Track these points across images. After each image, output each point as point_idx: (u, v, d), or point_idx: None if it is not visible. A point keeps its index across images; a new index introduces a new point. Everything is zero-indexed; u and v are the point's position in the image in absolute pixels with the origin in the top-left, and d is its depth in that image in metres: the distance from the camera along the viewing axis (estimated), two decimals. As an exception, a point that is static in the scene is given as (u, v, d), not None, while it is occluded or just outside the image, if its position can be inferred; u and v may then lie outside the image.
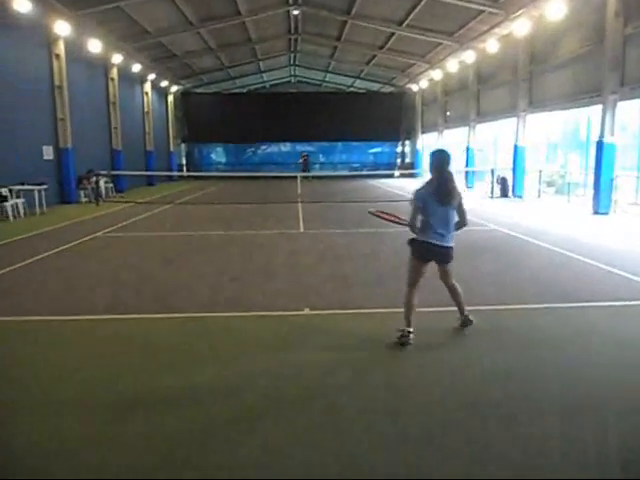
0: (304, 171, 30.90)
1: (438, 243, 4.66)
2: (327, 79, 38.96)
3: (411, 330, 4.63)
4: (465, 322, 4.98)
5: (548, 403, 3.61)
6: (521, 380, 3.98)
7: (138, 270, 7.84)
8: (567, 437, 3.18)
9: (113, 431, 3.28)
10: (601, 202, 14.06)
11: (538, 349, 4.61)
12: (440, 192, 4.58)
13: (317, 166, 38.09)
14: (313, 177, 30.41)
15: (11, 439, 3.23)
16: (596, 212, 14.11)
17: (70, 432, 3.28)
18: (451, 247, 4.77)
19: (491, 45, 20.25)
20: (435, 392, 3.79)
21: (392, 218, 5.27)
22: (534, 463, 2.94)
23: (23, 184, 14.94)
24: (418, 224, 4.74)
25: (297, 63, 35.53)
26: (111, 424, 3.37)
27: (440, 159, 4.71)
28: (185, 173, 34.74)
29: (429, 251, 4.70)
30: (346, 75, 36.42)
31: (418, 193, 4.70)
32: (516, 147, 19.60)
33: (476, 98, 24.13)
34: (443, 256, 4.77)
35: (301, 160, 33.58)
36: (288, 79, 40.19)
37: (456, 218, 4.75)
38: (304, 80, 40.11)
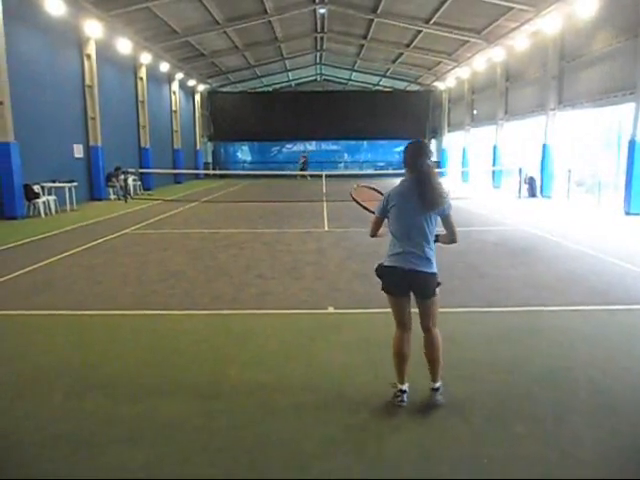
0: (302, 170, 31.12)
1: (412, 268, 3.38)
2: (353, 78, 38.89)
3: (404, 389, 3.53)
4: (441, 395, 3.57)
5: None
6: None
7: (165, 266, 7.96)
8: None
9: (136, 419, 3.36)
10: (632, 202, 13.72)
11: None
12: (420, 191, 3.34)
13: (342, 165, 38.08)
14: (330, 176, 30.33)
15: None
16: (627, 213, 13.77)
17: (100, 410, 3.37)
18: (432, 274, 3.44)
19: (520, 42, 19.95)
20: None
21: (367, 204, 4.06)
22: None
23: (54, 181, 15.32)
24: (381, 233, 3.67)
25: (323, 62, 35.54)
26: (142, 409, 3.45)
27: (416, 150, 3.47)
28: (211, 171, 35.11)
29: (400, 280, 3.44)
30: (372, 73, 36.29)
31: (388, 195, 3.51)
32: (545, 146, 19.26)
33: (504, 96, 23.80)
34: (420, 287, 3.46)
35: (302, 160, 33.82)
36: (314, 78, 40.25)
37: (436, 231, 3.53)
38: (330, 79, 40.12)
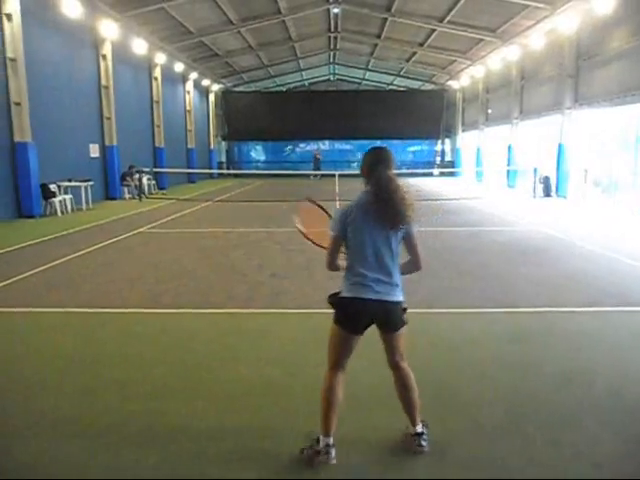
0: (316, 169, 31.04)
1: (373, 297, 2.81)
2: (367, 77, 38.80)
3: (330, 443, 2.85)
4: (414, 440, 2.97)
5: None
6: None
7: (179, 265, 8.02)
8: None
9: (150, 420, 3.39)
10: (650, 203, 13.54)
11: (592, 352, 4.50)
12: (382, 206, 2.77)
13: (355, 164, 38.00)
14: (322, 175, 30.20)
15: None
16: (645, 213, 13.61)
17: (113, 408, 3.41)
18: (398, 302, 2.88)
19: (536, 40, 19.75)
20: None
21: (312, 238, 3.41)
22: None
23: (70, 180, 15.51)
24: (344, 261, 2.97)
25: (337, 61, 35.49)
26: (154, 408, 3.48)
27: (374, 157, 2.95)
28: (225, 171, 35.27)
29: (358, 315, 2.86)
30: (386, 73, 36.18)
31: (342, 211, 2.90)
32: (560, 145, 19.06)
33: (519, 95, 23.58)
34: (386, 319, 2.89)
35: (316, 156, 33.79)
36: (327, 77, 40.24)
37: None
38: (343, 78, 40.08)
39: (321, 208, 3.57)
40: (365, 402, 3.60)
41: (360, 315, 2.87)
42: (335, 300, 2.95)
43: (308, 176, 31.00)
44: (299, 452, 2.91)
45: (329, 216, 3.32)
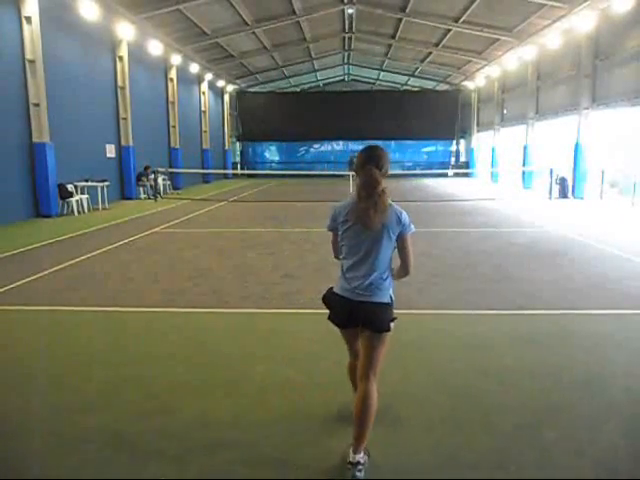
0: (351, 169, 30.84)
1: (356, 298, 2.85)
2: (381, 77, 38.73)
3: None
4: (352, 470, 2.72)
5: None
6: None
7: (194, 265, 8.08)
8: None
9: (162, 421, 3.43)
10: (669, 204, 13.34)
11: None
12: (361, 204, 2.79)
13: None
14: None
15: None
16: (663, 214, 13.41)
17: (132, 405, 3.45)
18: (382, 304, 2.88)
19: (552, 40, 19.56)
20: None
21: None
22: None
23: (87, 181, 15.70)
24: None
25: (351, 62, 35.48)
26: (172, 405, 3.52)
27: (366, 155, 2.87)
28: (239, 171, 35.42)
29: (344, 311, 2.92)
30: (400, 73, 36.07)
31: (335, 208, 2.99)
32: (577, 146, 18.86)
33: (535, 95, 23.39)
34: (367, 319, 2.86)
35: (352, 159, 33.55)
36: (342, 78, 40.24)
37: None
38: (358, 79, 40.06)
39: None
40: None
41: (340, 310, 2.94)
42: (327, 295, 3.07)
43: (324, 176, 30.92)
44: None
45: None
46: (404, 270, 2.98)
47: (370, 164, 2.82)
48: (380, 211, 2.77)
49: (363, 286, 2.85)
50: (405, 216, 2.88)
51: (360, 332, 2.95)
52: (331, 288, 3.04)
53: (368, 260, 2.85)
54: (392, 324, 2.90)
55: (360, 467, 2.73)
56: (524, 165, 23.97)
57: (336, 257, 3.14)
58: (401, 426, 3.32)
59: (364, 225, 2.80)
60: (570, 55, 19.51)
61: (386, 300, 2.90)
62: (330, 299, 3.02)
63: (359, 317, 2.88)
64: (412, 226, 2.91)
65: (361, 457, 2.76)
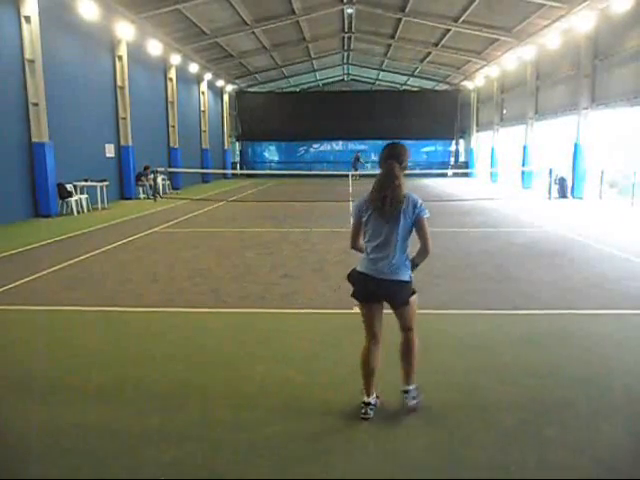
0: (355, 169, 30.78)
1: (379, 276, 3.26)
2: (380, 77, 38.73)
3: (370, 401, 3.38)
4: (414, 399, 3.46)
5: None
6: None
7: (193, 265, 8.08)
8: None
9: (166, 421, 3.43)
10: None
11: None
12: (379, 195, 3.22)
13: (369, 165, 37.91)
14: (360, 176, 30.10)
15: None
16: (663, 214, 13.41)
17: (132, 405, 3.45)
18: (402, 281, 3.29)
19: (551, 40, 19.57)
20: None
21: None
22: None
23: (87, 180, 15.69)
24: (362, 244, 3.43)
25: (350, 61, 35.47)
26: (171, 405, 3.52)
27: (389, 152, 3.35)
28: (238, 171, 35.41)
29: (369, 287, 3.31)
30: (400, 73, 36.07)
31: (359, 200, 3.41)
32: (576, 146, 18.86)
33: (534, 95, 23.38)
34: (390, 295, 3.32)
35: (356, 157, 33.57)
36: (341, 77, 40.24)
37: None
38: (357, 78, 40.06)
39: None
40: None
41: (368, 288, 3.32)
42: (352, 274, 3.43)
43: (323, 176, 30.93)
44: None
45: None
46: (424, 249, 3.35)
47: (391, 159, 3.28)
48: (396, 201, 3.20)
49: (385, 266, 3.25)
50: (420, 202, 3.28)
51: (391, 307, 3.38)
52: (354, 268, 3.41)
53: (389, 243, 3.25)
54: (413, 297, 3.37)
55: (413, 394, 3.45)
56: (523, 165, 23.97)
57: (352, 247, 3.50)
58: (401, 425, 3.32)
59: (379, 213, 3.23)
60: (569, 55, 19.52)
61: (406, 278, 3.31)
62: (355, 277, 3.38)
63: (381, 293, 3.32)
64: (426, 211, 3.30)
65: (412, 387, 3.46)
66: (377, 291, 3.30)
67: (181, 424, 3.35)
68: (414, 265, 3.37)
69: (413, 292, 3.38)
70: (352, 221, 3.44)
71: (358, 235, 3.42)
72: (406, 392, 3.46)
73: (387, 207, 3.20)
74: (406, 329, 3.44)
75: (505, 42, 22.79)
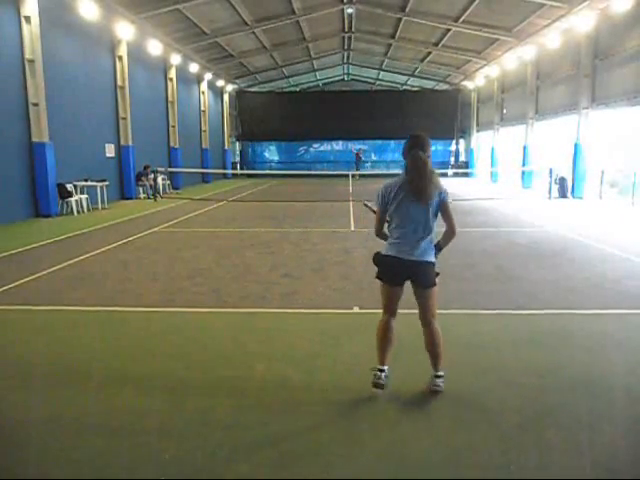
0: (357, 169, 30.75)
1: (407, 258, 3.47)
2: (381, 77, 38.74)
3: (384, 369, 3.60)
4: (436, 385, 3.66)
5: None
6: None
7: (193, 264, 8.07)
8: None
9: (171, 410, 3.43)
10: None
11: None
12: (414, 181, 3.43)
13: (369, 165, 37.94)
14: (360, 176, 30.04)
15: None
16: (663, 214, 13.40)
17: (132, 404, 3.45)
18: (430, 262, 3.53)
19: (552, 40, 19.57)
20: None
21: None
22: None
23: (87, 180, 15.69)
24: (386, 231, 3.66)
25: (351, 61, 35.47)
26: (172, 404, 3.52)
27: (412, 142, 3.56)
28: (239, 171, 35.41)
29: (396, 269, 3.53)
30: (400, 73, 36.08)
31: (384, 187, 3.60)
32: (577, 146, 18.86)
33: (534, 95, 23.38)
34: (418, 275, 3.54)
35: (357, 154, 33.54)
36: (341, 77, 40.25)
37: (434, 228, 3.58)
38: (357, 78, 40.06)
39: (370, 209, 4.18)
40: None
41: (395, 269, 3.54)
42: (377, 257, 3.63)
43: (324, 176, 30.91)
44: (372, 378, 3.58)
45: (374, 212, 3.87)
46: (450, 230, 3.58)
47: (415, 148, 3.49)
48: (433, 185, 3.43)
49: (415, 248, 3.47)
50: (445, 188, 3.54)
51: (414, 290, 3.61)
52: (379, 252, 3.62)
53: (419, 227, 3.46)
54: (437, 279, 3.58)
55: (440, 379, 3.64)
56: (523, 165, 23.97)
57: (378, 234, 3.69)
58: (401, 425, 3.32)
59: (420, 199, 3.42)
60: (570, 55, 19.51)
61: (433, 259, 3.54)
62: (381, 260, 3.59)
63: (409, 274, 3.53)
64: (449, 195, 3.57)
65: (440, 372, 3.66)
66: (405, 272, 3.52)
67: (181, 423, 3.35)
68: (439, 249, 3.62)
69: (437, 274, 3.59)
70: (377, 208, 3.62)
71: (384, 220, 3.61)
72: (438, 377, 3.66)
73: (424, 191, 3.40)
74: (429, 318, 3.62)
75: (505, 42, 22.79)
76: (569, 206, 16.46)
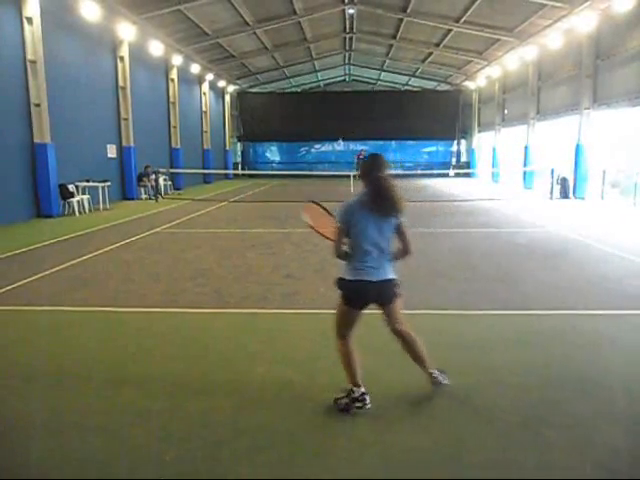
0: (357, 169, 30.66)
1: (374, 279, 3.42)
2: (382, 77, 38.71)
3: (363, 390, 3.48)
4: (433, 382, 3.73)
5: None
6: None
7: (195, 265, 8.09)
8: None
9: (174, 407, 3.44)
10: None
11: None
12: (377, 199, 3.36)
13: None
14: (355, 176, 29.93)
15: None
16: (665, 215, 13.39)
17: (133, 405, 3.46)
18: (392, 280, 3.50)
19: (553, 40, 19.54)
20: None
21: (320, 231, 4.01)
22: None
23: (88, 181, 15.71)
24: (347, 249, 3.50)
25: (352, 62, 35.45)
26: (173, 405, 3.53)
27: (373, 162, 3.50)
28: (240, 171, 35.42)
29: (363, 294, 3.47)
30: (401, 73, 36.06)
31: (347, 206, 3.46)
32: (578, 146, 18.85)
33: (536, 95, 23.37)
34: (384, 295, 3.51)
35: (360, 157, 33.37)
36: (343, 78, 40.22)
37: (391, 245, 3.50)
38: (358, 79, 40.04)
39: (323, 208, 4.14)
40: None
41: (363, 294, 3.47)
42: (343, 283, 3.50)
43: (325, 177, 30.90)
44: (333, 402, 3.49)
45: (330, 214, 3.85)
46: (407, 250, 3.53)
47: (376, 170, 3.42)
48: (397, 204, 3.38)
49: (381, 268, 3.43)
50: (404, 207, 3.45)
51: (381, 308, 3.56)
52: (343, 277, 3.50)
53: (379, 246, 3.41)
54: (397, 290, 3.54)
55: (436, 374, 3.69)
56: (525, 165, 23.95)
57: (338, 255, 3.51)
58: (400, 426, 3.33)
59: (378, 215, 3.37)
60: (571, 55, 19.50)
61: (393, 276, 3.51)
62: (349, 286, 3.48)
63: (376, 295, 3.47)
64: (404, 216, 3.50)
65: (434, 370, 3.69)
66: (373, 295, 3.47)
67: (182, 424, 3.36)
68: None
69: (397, 284, 3.57)
70: (337, 225, 3.45)
71: (343, 237, 3.46)
72: (432, 374, 3.70)
73: (386, 208, 3.37)
74: (399, 325, 3.61)
75: (507, 42, 22.78)
76: (570, 206, 16.45)
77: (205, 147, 29.55)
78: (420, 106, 35.12)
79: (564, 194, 18.94)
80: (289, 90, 39.53)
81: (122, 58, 18.75)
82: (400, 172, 34.63)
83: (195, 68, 25.75)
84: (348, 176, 24.86)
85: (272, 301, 6.14)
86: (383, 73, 37.01)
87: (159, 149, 23.00)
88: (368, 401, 3.45)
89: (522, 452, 3.03)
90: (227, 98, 34.60)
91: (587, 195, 18.66)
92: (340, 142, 37.64)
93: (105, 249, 9.31)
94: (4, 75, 12.69)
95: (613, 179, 18.76)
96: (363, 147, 36.24)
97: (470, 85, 32.97)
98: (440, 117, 35.34)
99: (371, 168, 3.45)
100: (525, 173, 23.92)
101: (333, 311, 5.68)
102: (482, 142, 33.15)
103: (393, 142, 38.20)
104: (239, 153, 38.65)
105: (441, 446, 3.10)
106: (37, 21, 13.29)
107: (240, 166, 37.35)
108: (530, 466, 2.91)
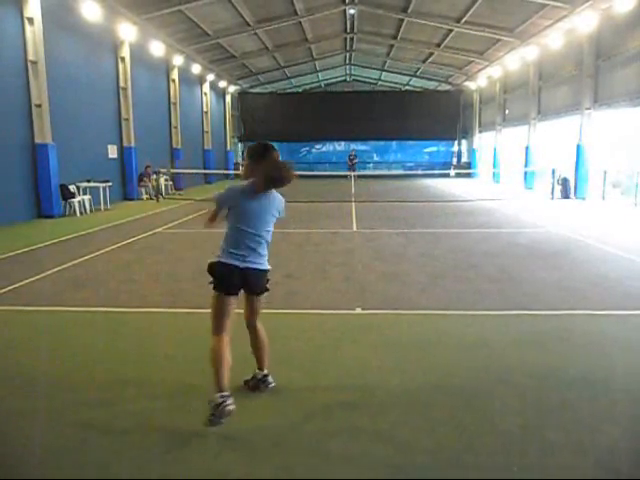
0: (351, 169, 30.68)
1: (248, 266, 3.40)
2: (383, 78, 38.72)
3: (226, 394, 3.22)
4: (262, 382, 3.75)
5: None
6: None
7: (196, 265, 8.06)
8: None
9: (178, 405, 3.43)
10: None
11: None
12: (274, 171, 3.40)
13: (371, 165, 37.94)
14: (359, 176, 29.94)
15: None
16: (666, 215, 13.37)
17: (134, 404, 3.45)
18: (265, 271, 3.51)
19: (554, 40, 19.54)
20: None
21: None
22: None
23: (89, 181, 15.72)
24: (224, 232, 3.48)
25: (353, 62, 35.48)
26: (173, 405, 3.52)
27: (257, 150, 3.53)
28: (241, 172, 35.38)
29: (231, 277, 3.39)
30: (402, 73, 36.06)
31: (230, 189, 3.51)
32: (579, 146, 18.84)
33: (537, 96, 23.36)
34: (253, 283, 3.48)
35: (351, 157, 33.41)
36: (343, 78, 40.24)
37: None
38: (359, 79, 40.06)
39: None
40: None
41: (231, 277, 3.38)
42: (211, 264, 3.45)
43: (326, 177, 30.89)
44: (207, 423, 3.14)
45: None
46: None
47: (264, 154, 3.46)
48: (279, 184, 3.44)
49: (252, 255, 3.40)
50: (284, 202, 3.64)
51: (246, 296, 3.57)
52: (216, 261, 3.44)
53: (256, 233, 3.41)
54: (268, 285, 3.60)
55: (269, 378, 3.72)
56: (526, 165, 23.94)
57: (210, 222, 3.52)
58: (402, 427, 3.32)
59: (259, 201, 3.40)
60: (572, 55, 19.49)
61: (267, 267, 3.52)
62: (217, 269, 3.41)
63: (245, 282, 3.43)
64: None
65: (266, 371, 3.74)
66: (242, 280, 3.42)
67: (183, 424, 3.36)
68: None
69: (267, 280, 3.60)
70: (217, 202, 3.47)
71: (217, 216, 3.49)
72: (266, 376, 3.75)
73: (266, 202, 3.44)
74: (256, 322, 3.70)
75: (507, 42, 22.77)
76: (571, 207, 16.44)
77: (206, 147, 29.56)
78: (421, 106, 35.13)
79: (565, 194, 18.93)
80: (290, 90, 39.53)
81: (123, 58, 18.77)
82: (401, 172, 34.69)
83: (196, 68, 25.76)
84: (349, 176, 24.88)
85: (272, 301, 6.09)
86: (384, 73, 37.02)
87: (160, 149, 22.99)
88: (229, 402, 3.17)
89: (524, 453, 3.02)
90: (228, 98, 34.61)
91: (588, 195, 18.65)
92: (341, 143, 37.65)
93: (106, 249, 9.31)
94: (5, 75, 12.70)
95: (614, 179, 18.74)
96: (353, 147, 36.27)
97: (471, 85, 32.96)
98: (441, 117, 35.35)
99: (257, 155, 3.49)
100: (526, 173, 23.91)
101: (334, 311, 5.71)
102: (483, 142, 33.14)
103: (394, 142, 38.23)
104: (240, 153, 38.66)
105: (442, 447, 3.09)
106: (38, 21, 13.30)
107: (241, 166, 37.34)
108: (532, 467, 2.90)
